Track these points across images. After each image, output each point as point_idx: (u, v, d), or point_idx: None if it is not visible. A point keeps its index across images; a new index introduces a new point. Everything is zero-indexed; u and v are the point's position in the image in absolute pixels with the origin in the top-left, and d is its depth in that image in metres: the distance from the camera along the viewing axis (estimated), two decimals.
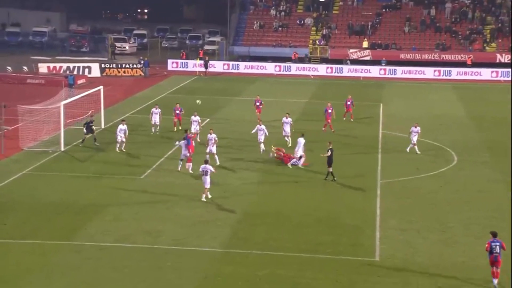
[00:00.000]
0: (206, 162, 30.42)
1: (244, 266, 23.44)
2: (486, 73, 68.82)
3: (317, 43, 77.61)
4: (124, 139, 37.82)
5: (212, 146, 35.28)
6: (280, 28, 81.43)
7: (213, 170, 30.09)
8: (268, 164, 35.88)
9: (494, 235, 22.21)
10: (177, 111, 43.29)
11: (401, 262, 23.83)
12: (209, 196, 29.94)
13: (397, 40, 77.69)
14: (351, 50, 75.75)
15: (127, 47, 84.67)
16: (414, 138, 38.13)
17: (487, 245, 21.98)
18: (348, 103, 46.50)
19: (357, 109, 47.11)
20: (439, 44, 75.91)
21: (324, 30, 79.57)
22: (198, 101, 44.36)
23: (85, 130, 39.22)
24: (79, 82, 61.18)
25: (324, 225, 27.27)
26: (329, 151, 32.77)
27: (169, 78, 67.51)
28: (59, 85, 53.96)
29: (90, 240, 25.57)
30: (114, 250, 24.80)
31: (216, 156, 35.08)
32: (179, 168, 34.01)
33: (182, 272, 22.90)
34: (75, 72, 66.46)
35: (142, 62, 68.56)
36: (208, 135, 35.64)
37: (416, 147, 38.15)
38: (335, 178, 32.79)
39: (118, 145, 37.91)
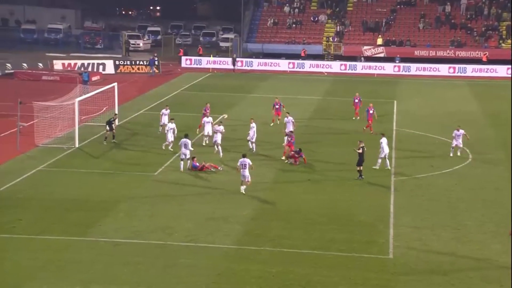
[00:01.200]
0: (244, 156, 30.48)
1: (256, 263, 23.44)
2: (501, 70, 68.37)
3: (331, 40, 77.41)
4: (173, 138, 37.16)
5: (218, 137, 35.97)
6: (293, 25, 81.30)
7: (251, 163, 30.17)
8: (280, 160, 35.82)
9: None
10: (208, 111, 42.53)
11: (414, 260, 23.75)
12: (243, 192, 30.20)
13: (411, 37, 77.31)
14: (365, 47, 75.52)
15: (141, 44, 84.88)
16: (459, 141, 36.63)
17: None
18: (356, 100, 46.26)
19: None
20: (454, 40, 75.46)
21: (338, 27, 79.37)
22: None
23: (107, 128, 39.45)
24: (94, 79, 61.45)
25: (337, 222, 27.22)
26: (361, 149, 32.48)
27: (183, 75, 67.62)
28: (74, 82, 54.20)
29: (104, 236, 25.68)
30: (127, 246, 24.88)
31: (220, 148, 35.64)
32: (181, 169, 33.95)
33: (195, 269, 22.94)
34: (89, 69, 66.71)
35: (149, 60, 68.24)
36: (216, 126, 36.30)
37: (458, 151, 36.70)
38: (362, 176, 32.60)
39: (167, 143, 37.35)
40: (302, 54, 73.65)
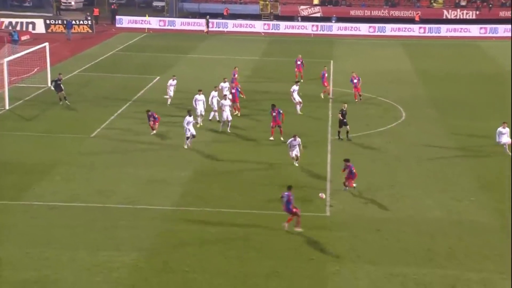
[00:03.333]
0: (294, 136, 29.15)
1: (196, 223, 23.56)
2: (433, 30, 69.64)
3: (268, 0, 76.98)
4: (194, 133, 31.82)
5: (228, 113, 34.10)
6: None
7: (300, 143, 29.12)
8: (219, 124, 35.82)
9: None
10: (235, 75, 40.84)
11: (350, 217, 24.29)
12: (296, 164, 29.30)
13: None
14: (302, 7, 75.54)
15: (73, 3, 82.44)
16: (503, 140, 31.59)
17: None
18: (298, 62, 46.26)
19: (308, 66, 47.10)
20: (388, 0, 76.29)
21: None
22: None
23: (53, 89, 38.50)
24: (23, 38, 59.61)
25: (275, 182, 27.48)
26: (341, 113, 33.06)
27: (118, 36, 66.28)
28: (2, 41, 52.39)
29: (40, 200, 25.31)
30: (65, 209, 24.61)
31: (229, 124, 34.07)
32: (186, 146, 31.62)
33: (135, 231, 22.91)
34: (18, 28, 64.62)
35: (66, 23, 66.17)
36: (223, 101, 34.35)
37: (507, 147, 31.70)
38: (348, 138, 33.07)
39: (187, 141, 31.69)
40: (225, 13, 73.18)
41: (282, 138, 32.38)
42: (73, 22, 66.58)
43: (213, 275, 20.08)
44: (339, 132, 33.30)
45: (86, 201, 25.28)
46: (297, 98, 38.08)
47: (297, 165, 29.15)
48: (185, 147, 31.44)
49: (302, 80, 44.10)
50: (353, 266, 20.76)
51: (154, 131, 33.35)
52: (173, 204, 25.15)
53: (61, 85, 38.68)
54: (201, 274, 20.14)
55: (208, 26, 69.16)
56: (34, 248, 21.50)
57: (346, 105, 33.88)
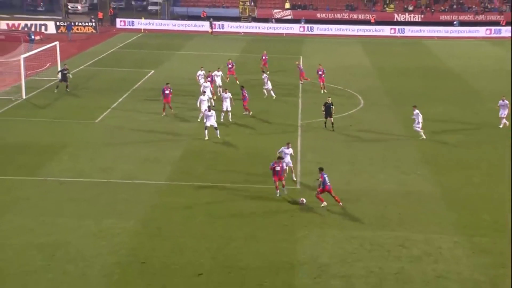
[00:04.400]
0: (288, 144, 24.81)
1: (185, 196, 23.43)
2: (386, 30, 69.74)
3: (247, 4, 76.46)
4: (215, 125, 30.01)
5: (228, 104, 32.42)
6: None
7: (292, 152, 24.78)
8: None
9: None
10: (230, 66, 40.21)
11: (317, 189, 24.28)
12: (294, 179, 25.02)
13: (314, 1, 77.42)
14: (275, 10, 75.13)
15: (79, 7, 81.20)
16: (504, 112, 31.99)
17: None
18: (264, 57, 46.12)
19: (281, 61, 46.93)
20: (348, 5, 76.21)
21: None
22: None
23: (59, 77, 38.05)
24: (37, 38, 58.68)
25: (253, 160, 27.41)
26: (325, 105, 31.51)
27: (118, 35, 65.44)
28: (19, 41, 51.55)
29: (51, 176, 25.00)
30: (72, 184, 24.35)
31: (229, 114, 32.84)
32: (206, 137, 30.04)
33: (133, 203, 22.76)
34: (32, 29, 63.60)
35: (66, 25, 64.71)
36: (224, 93, 33.19)
37: (505, 120, 32.15)
38: (332, 128, 31.52)
39: (206, 132, 29.91)
40: (202, 15, 72.61)
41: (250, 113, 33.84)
42: (73, 24, 65.49)
43: (200, 239, 20.02)
44: (325, 122, 31.88)
45: (91, 177, 25.04)
46: (269, 85, 38.11)
47: (295, 179, 24.67)
48: (206, 138, 29.66)
49: (268, 72, 43.83)
50: (320, 231, 20.81)
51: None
52: (166, 179, 24.99)
53: (66, 75, 38.31)
54: (190, 239, 20.08)
55: (212, 27, 68.29)
56: (47, 217, 21.29)
57: (330, 98, 32.50)
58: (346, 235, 20.50)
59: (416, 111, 30.95)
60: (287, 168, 24.10)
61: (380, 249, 19.66)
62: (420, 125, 30.65)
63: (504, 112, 32.51)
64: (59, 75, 38.25)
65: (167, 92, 33.87)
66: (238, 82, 39.20)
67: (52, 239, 19.74)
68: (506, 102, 32.61)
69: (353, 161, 27.81)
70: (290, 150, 24.60)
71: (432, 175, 26.22)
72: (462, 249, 19.74)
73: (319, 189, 22.42)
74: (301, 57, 53.63)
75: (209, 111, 29.95)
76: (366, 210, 22.54)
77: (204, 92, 34.39)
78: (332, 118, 31.76)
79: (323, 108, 31.95)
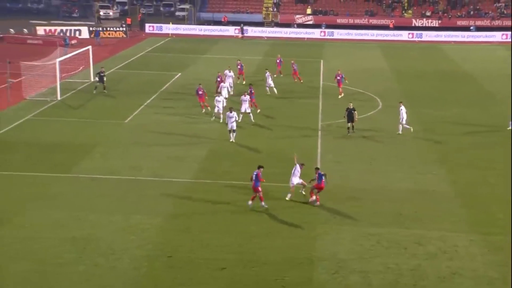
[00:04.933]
0: (301, 165, 23.05)
1: (209, 194, 23.50)
2: (404, 35, 69.11)
3: (270, 10, 76.42)
4: (234, 127, 29.55)
5: (247, 106, 32.31)
6: None
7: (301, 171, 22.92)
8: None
9: None
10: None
11: (336, 188, 24.14)
12: (303, 193, 23.25)
13: (334, 7, 77.08)
14: (297, 16, 74.93)
15: (111, 13, 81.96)
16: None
17: None
18: (278, 61, 46.04)
19: (302, 65, 46.76)
20: (368, 11, 75.67)
21: None
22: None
23: (97, 79, 38.57)
24: (72, 42, 59.46)
25: (275, 159, 27.37)
26: (347, 110, 30.66)
27: (146, 40, 65.92)
28: (54, 45, 52.25)
29: (83, 173, 25.28)
30: (103, 181, 24.59)
31: (251, 115, 32.77)
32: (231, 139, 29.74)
33: (160, 199, 22.91)
34: (67, 34, 64.46)
35: (95, 32, 65.10)
36: (242, 96, 33.04)
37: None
38: (353, 131, 30.70)
39: (231, 135, 29.64)
40: (223, 20, 72.58)
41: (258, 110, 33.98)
42: (100, 30, 66.01)
43: (223, 235, 20.07)
44: (348, 128, 30.84)
45: (121, 174, 25.26)
46: (271, 82, 38.81)
47: (304, 193, 23.05)
48: (230, 140, 29.40)
49: (281, 75, 44.31)
50: (338, 228, 20.71)
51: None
52: (191, 177, 25.10)
53: (103, 77, 38.87)
54: (214, 234, 20.14)
55: (243, 32, 68.27)
56: (80, 212, 21.52)
57: (351, 103, 31.61)
58: (364, 232, 20.36)
59: (402, 107, 30.96)
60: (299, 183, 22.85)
61: (397, 246, 19.49)
62: (404, 121, 30.68)
63: None
64: (97, 78, 38.83)
65: (200, 92, 34.44)
66: (244, 82, 39.44)
67: (84, 233, 19.96)
68: None
69: (370, 161, 27.61)
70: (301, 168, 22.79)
71: (448, 174, 25.92)
72: (477, 247, 19.49)
73: (314, 185, 22.28)
74: (321, 60, 53.46)
75: (231, 112, 29.60)
76: (383, 208, 22.37)
77: (220, 92, 34.64)
78: (354, 123, 30.89)
79: (345, 114, 31.03)
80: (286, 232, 20.37)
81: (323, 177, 22.15)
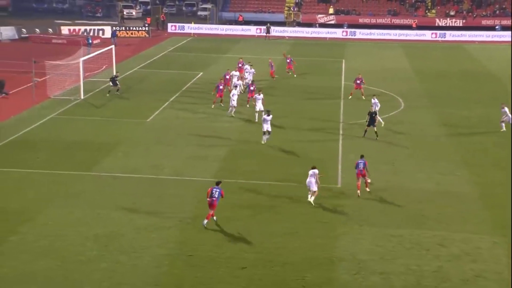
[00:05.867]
0: (313, 168, 22.54)
1: (230, 192, 23.35)
2: (427, 35, 68.35)
3: (291, 9, 76.23)
4: (270, 129, 28.88)
5: (261, 104, 32.10)
6: None
7: (317, 173, 22.32)
8: (249, 113, 35.57)
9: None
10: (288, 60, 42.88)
11: (357, 188, 23.98)
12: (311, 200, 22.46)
13: (356, 7, 76.56)
14: (319, 15, 74.62)
15: (133, 13, 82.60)
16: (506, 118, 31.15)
17: None
18: (288, 61, 45.82)
19: (324, 64, 46.57)
20: (391, 10, 75.01)
21: None
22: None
23: (111, 83, 38.79)
24: (95, 42, 59.96)
25: (295, 159, 27.29)
26: (369, 113, 30.02)
27: (169, 39, 66.23)
28: (78, 45, 52.77)
29: (106, 172, 25.47)
30: (125, 180, 24.73)
31: (263, 113, 32.09)
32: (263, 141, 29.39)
33: (181, 198, 22.97)
34: (91, 34, 65.04)
35: (111, 32, 64.70)
36: (257, 95, 32.96)
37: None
38: (377, 137, 29.85)
39: (264, 137, 29.14)
40: (239, 19, 72.48)
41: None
42: (117, 30, 66.31)
43: (243, 234, 20.04)
44: (365, 131, 30.12)
45: (142, 173, 25.39)
46: (249, 77, 38.81)
47: (311, 201, 22.28)
48: (262, 142, 29.02)
49: (295, 76, 44.45)
50: (359, 228, 20.55)
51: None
52: (212, 176, 25.10)
53: (117, 81, 38.88)
54: (234, 233, 20.11)
55: (269, 32, 68.11)
56: (102, 210, 21.68)
57: (372, 107, 30.87)
58: (385, 233, 20.17)
59: (375, 99, 31.61)
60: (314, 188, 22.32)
61: (418, 247, 19.27)
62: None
63: None
64: (111, 82, 38.82)
65: (221, 87, 34.54)
66: (246, 81, 39.57)
67: (106, 231, 20.09)
68: None
69: (392, 161, 27.35)
70: (315, 172, 22.24)
71: (470, 175, 25.56)
72: (501, 249, 19.17)
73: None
74: (343, 60, 53.15)
75: (268, 115, 28.90)
76: (405, 209, 22.14)
77: (236, 86, 35.59)
78: (375, 127, 30.15)
79: (367, 118, 30.29)
80: (306, 232, 20.27)
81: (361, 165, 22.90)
